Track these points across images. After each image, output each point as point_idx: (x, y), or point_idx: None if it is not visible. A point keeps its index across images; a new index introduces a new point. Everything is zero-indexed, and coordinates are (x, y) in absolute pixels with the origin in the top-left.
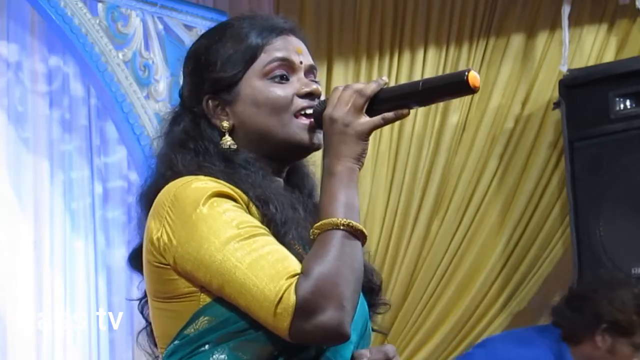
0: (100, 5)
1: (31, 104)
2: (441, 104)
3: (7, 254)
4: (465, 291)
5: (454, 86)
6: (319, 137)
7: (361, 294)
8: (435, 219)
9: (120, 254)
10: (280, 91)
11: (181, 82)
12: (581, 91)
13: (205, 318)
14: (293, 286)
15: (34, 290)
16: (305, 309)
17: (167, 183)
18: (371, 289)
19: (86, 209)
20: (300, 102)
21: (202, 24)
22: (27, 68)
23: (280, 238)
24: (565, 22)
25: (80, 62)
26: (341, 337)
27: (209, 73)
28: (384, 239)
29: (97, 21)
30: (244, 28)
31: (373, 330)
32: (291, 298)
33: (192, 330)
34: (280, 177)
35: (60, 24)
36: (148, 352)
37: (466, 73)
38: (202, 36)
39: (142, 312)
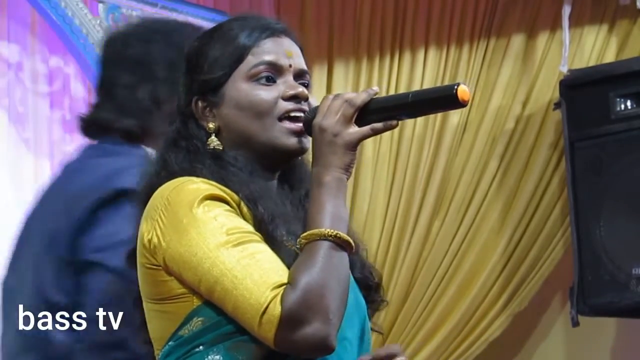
0: (100, 5)
1: (32, 104)
2: None
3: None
4: (466, 291)
5: (443, 100)
6: (304, 141)
7: (358, 289)
8: (436, 219)
9: None
10: (264, 94)
11: None
12: (582, 92)
13: (199, 319)
14: (279, 297)
15: None
16: (290, 320)
17: (161, 183)
18: (368, 286)
19: None
20: (285, 105)
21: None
22: (28, 68)
23: (270, 235)
24: (565, 22)
25: (81, 63)
26: (327, 349)
27: (198, 75)
28: (384, 240)
29: (98, 21)
30: (233, 29)
31: (370, 329)
32: (276, 309)
33: (187, 331)
34: (271, 180)
35: (61, 25)
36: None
37: (455, 87)
38: (196, 38)
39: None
